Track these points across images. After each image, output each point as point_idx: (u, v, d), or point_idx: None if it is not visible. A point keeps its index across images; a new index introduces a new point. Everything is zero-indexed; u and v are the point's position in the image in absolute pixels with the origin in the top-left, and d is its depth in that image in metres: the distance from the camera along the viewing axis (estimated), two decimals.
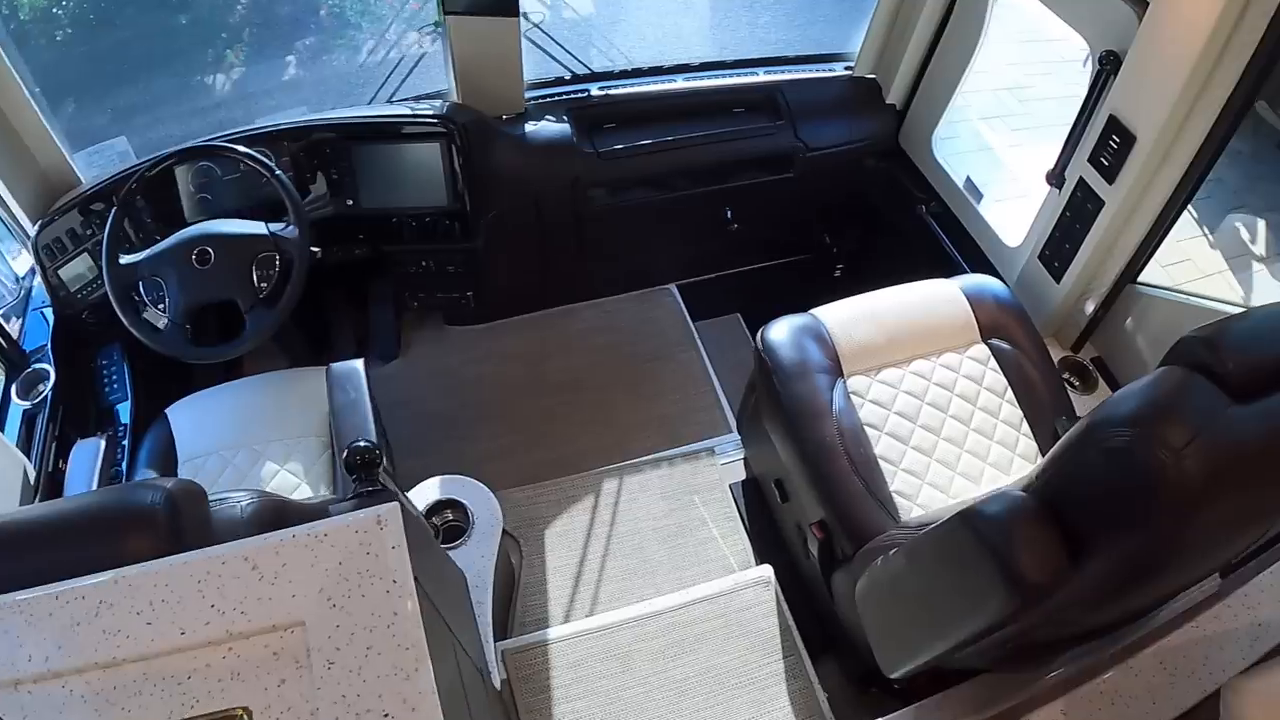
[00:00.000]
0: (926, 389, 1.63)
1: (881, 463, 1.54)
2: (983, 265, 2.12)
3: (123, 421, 1.82)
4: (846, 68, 2.36)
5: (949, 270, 2.19)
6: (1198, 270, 3.62)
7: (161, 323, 1.66)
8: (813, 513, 1.57)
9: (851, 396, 1.60)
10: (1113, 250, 1.70)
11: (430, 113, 1.95)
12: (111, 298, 1.65)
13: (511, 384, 2.39)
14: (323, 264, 1.84)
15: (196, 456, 1.66)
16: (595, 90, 2.20)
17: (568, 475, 2.09)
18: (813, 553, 1.58)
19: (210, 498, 1.16)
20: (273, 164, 1.72)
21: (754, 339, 1.69)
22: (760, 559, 1.92)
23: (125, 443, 1.77)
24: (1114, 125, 1.55)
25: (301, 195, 1.87)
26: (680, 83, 2.25)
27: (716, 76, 2.29)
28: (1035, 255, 1.85)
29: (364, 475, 1.11)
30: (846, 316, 1.68)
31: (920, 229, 2.27)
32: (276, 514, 1.23)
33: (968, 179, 2.18)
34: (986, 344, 1.70)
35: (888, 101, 2.31)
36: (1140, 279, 1.75)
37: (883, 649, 1.28)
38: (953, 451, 1.58)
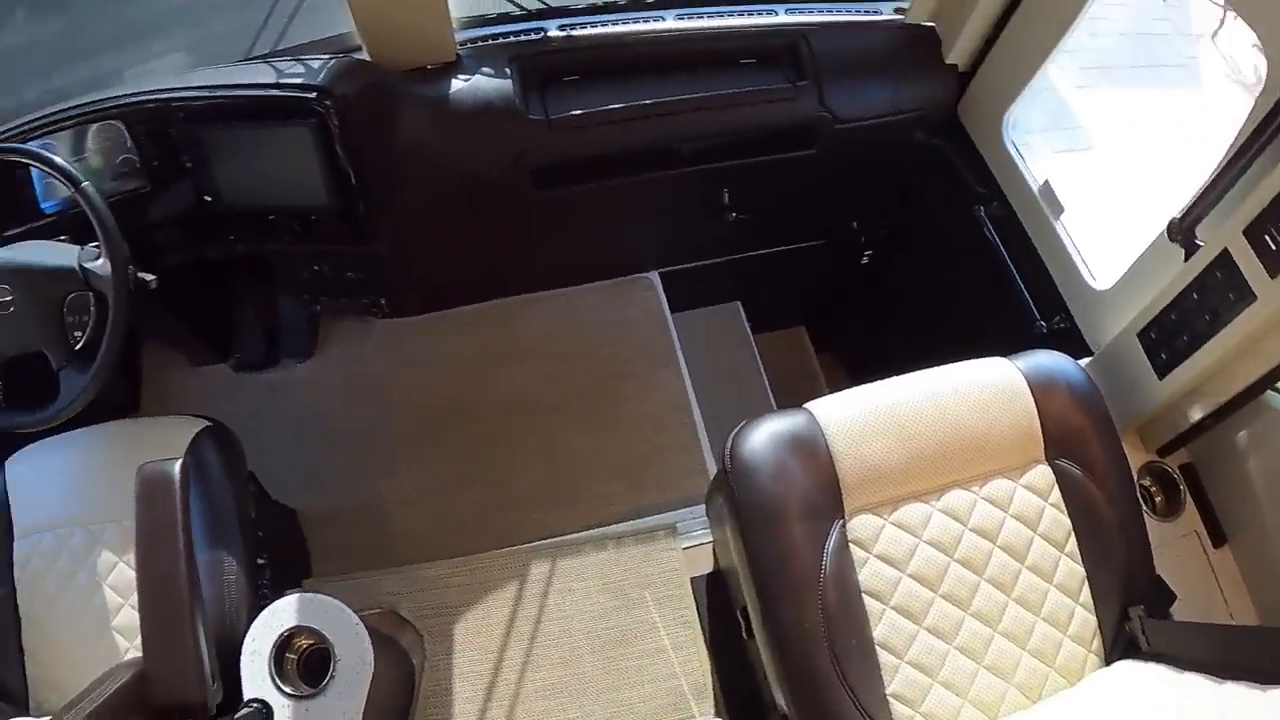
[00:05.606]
0: (960, 538, 1.15)
1: (880, 652, 1.09)
2: (1052, 300, 1.59)
3: None
4: (897, 10, 1.72)
5: (1003, 290, 1.66)
6: None
7: None
8: (779, 699, 1.14)
9: (852, 548, 1.13)
10: (1250, 353, 1.16)
11: (299, 81, 1.38)
12: None
13: (444, 399, 1.96)
14: (206, 258, 1.57)
15: (33, 531, 1.34)
16: (554, 30, 1.61)
17: (490, 550, 1.67)
18: None
19: None
20: (77, 173, 1.29)
21: (726, 445, 1.20)
22: (720, 682, 1.52)
23: None
24: None
25: (159, 186, 1.46)
26: (670, 22, 1.64)
27: (720, 15, 1.67)
28: (1134, 332, 1.31)
29: None
30: (854, 417, 1.18)
31: (975, 234, 1.72)
32: None
33: (1046, 183, 1.59)
34: (1051, 465, 1.20)
35: (948, 60, 1.70)
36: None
37: None
38: (982, 635, 1.12)
